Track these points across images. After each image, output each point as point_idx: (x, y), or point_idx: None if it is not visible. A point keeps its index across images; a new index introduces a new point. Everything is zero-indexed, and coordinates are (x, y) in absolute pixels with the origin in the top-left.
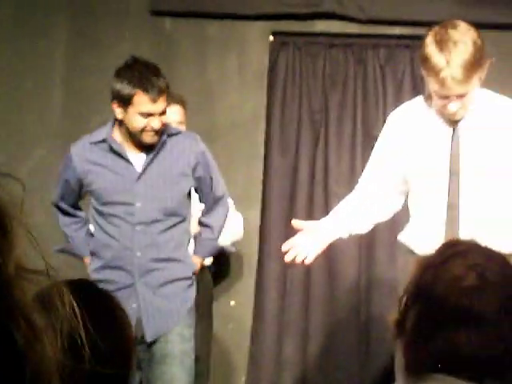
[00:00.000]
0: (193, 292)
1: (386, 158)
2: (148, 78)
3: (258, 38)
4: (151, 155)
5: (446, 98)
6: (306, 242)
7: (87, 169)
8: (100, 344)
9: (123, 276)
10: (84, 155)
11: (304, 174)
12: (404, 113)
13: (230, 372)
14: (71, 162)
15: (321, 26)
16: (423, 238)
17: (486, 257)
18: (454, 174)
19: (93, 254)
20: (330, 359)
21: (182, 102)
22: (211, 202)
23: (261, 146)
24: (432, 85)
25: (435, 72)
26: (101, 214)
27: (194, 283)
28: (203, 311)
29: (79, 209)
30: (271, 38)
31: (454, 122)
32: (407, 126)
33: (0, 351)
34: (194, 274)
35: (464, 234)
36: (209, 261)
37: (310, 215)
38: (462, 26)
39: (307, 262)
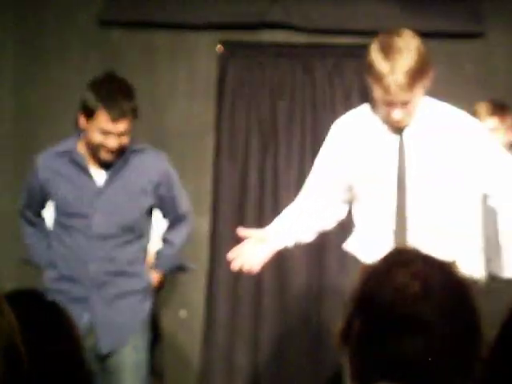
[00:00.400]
0: (147, 305)
1: (328, 166)
2: (114, 98)
3: (206, 48)
4: (113, 170)
5: (391, 104)
6: (253, 251)
7: (50, 177)
8: (44, 355)
9: (77, 288)
10: (48, 164)
11: (253, 182)
12: (348, 120)
13: (181, 382)
14: (36, 168)
15: (268, 35)
16: (371, 246)
17: (428, 265)
18: (401, 181)
19: (50, 264)
20: (281, 367)
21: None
22: (174, 219)
23: (210, 155)
24: (377, 91)
25: (380, 78)
26: (60, 224)
27: (149, 297)
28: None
29: (43, 219)
30: (219, 47)
31: (399, 130)
32: (351, 134)
33: None
34: (151, 287)
35: (412, 241)
36: None
37: (260, 222)
38: (407, 34)
39: (253, 270)
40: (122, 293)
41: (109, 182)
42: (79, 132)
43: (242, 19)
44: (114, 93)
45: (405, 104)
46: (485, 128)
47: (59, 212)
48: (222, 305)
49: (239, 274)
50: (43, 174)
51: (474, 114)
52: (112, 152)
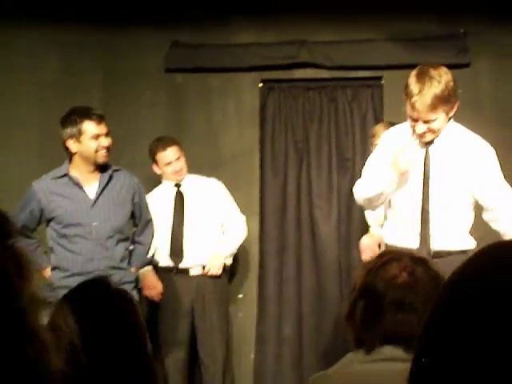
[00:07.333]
0: (135, 293)
1: (377, 162)
2: (88, 110)
3: (250, 86)
4: (102, 186)
5: (415, 120)
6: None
7: (51, 199)
8: (110, 338)
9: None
10: (47, 188)
11: (292, 191)
12: (392, 132)
13: (241, 350)
14: (34, 193)
15: (298, 73)
16: (400, 235)
17: (413, 260)
18: (425, 183)
19: (55, 267)
20: (319, 335)
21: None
22: (143, 224)
23: (256, 171)
24: (407, 107)
25: (409, 97)
26: (63, 235)
27: (136, 287)
28: (220, 308)
29: (33, 233)
30: (260, 84)
31: (426, 144)
32: (393, 141)
33: (15, 362)
34: (135, 280)
35: (433, 232)
36: (228, 261)
37: (297, 224)
38: (442, 69)
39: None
40: (119, 283)
41: (100, 194)
42: (67, 162)
43: (277, 61)
44: (85, 108)
45: (426, 122)
46: (492, 152)
47: (62, 225)
48: (271, 286)
49: (283, 261)
50: (43, 197)
51: (373, 132)
52: (107, 152)
